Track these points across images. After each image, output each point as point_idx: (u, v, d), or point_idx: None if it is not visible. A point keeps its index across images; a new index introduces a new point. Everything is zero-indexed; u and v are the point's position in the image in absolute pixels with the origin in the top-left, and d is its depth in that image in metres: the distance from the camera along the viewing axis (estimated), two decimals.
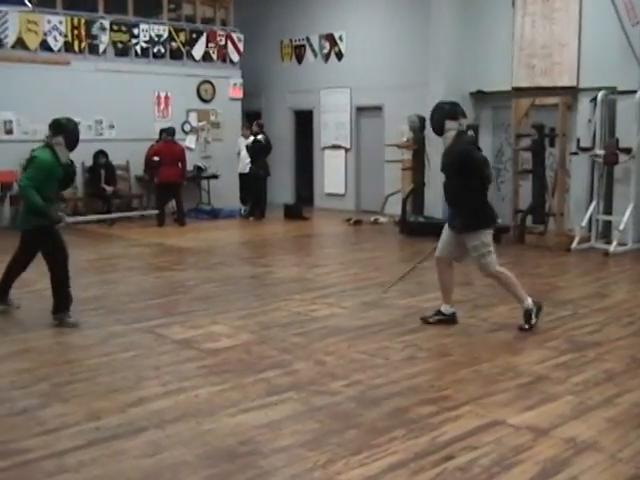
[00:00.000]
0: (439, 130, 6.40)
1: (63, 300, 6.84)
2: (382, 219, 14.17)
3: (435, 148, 13.21)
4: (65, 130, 6.96)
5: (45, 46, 13.97)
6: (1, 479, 3.78)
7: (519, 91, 12.26)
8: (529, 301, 6.52)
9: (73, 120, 7.30)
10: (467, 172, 6.30)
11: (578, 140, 11.47)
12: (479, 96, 13.41)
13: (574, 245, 10.82)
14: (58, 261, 6.86)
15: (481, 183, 6.40)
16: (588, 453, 4.06)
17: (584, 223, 10.97)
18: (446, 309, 6.78)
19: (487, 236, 6.43)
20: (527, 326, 6.49)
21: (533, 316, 6.50)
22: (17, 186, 7.53)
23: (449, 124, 6.30)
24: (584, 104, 11.79)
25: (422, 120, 12.94)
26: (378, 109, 15.55)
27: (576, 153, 11.46)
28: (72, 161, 7.26)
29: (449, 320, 6.73)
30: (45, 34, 13.91)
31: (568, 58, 12.06)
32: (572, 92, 11.89)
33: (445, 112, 6.37)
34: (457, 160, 6.34)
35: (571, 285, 8.90)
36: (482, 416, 4.55)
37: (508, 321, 6.85)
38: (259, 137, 14.74)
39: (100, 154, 14.16)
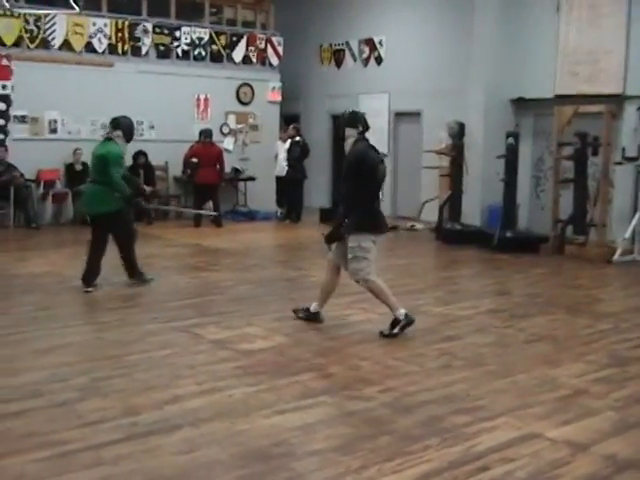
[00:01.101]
0: (342, 137, 6.65)
1: (131, 267, 8.32)
2: (418, 225, 14.12)
3: (474, 155, 13.21)
4: (123, 125, 8.16)
5: (90, 48, 14.14)
6: (42, 468, 3.84)
7: (562, 98, 12.13)
8: (401, 311, 6.49)
9: (129, 117, 8.42)
10: (361, 173, 6.39)
11: (623, 149, 11.29)
12: (520, 103, 13.31)
13: (616, 257, 10.63)
14: (126, 242, 8.23)
15: (375, 187, 6.49)
16: (629, 472, 3.97)
17: (627, 235, 10.78)
18: (314, 307, 6.87)
19: (367, 242, 6.42)
20: (387, 332, 6.47)
21: (398, 327, 6.47)
22: (88, 182, 8.41)
23: (348, 131, 6.55)
24: (630, 112, 11.65)
25: (461, 126, 12.90)
26: (416, 115, 15.50)
27: (620, 163, 11.29)
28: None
29: (313, 318, 6.84)
30: (90, 36, 14.08)
31: (614, 65, 11.89)
32: (617, 100, 11.72)
33: (345, 120, 6.64)
34: (352, 162, 6.45)
35: (612, 298, 8.73)
36: (518, 428, 4.51)
37: (546, 332, 6.79)
38: (297, 139, 14.78)
39: (140, 154, 14.29)
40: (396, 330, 6.47)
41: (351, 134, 6.55)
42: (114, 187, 7.89)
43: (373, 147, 6.60)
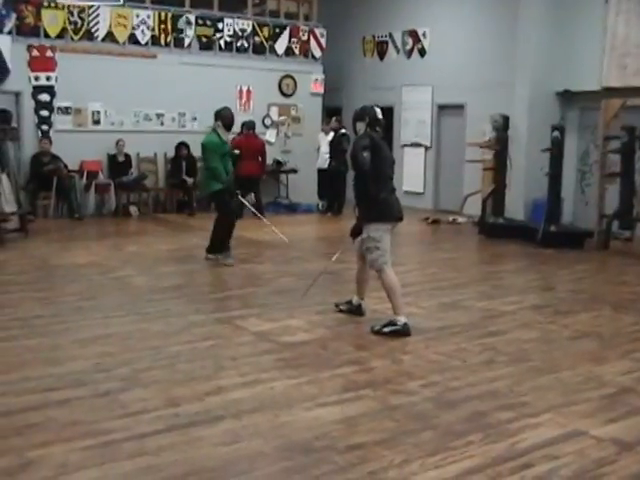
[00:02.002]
0: (355, 131, 6.75)
1: (217, 245, 9.16)
2: (460, 219, 14.02)
3: (518, 148, 13.07)
4: (221, 116, 9.21)
5: (133, 40, 14.26)
6: (85, 457, 3.87)
7: (609, 91, 11.92)
8: (402, 318, 6.31)
9: (229, 108, 9.50)
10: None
11: None
12: (566, 96, 13.12)
13: None
14: (221, 220, 9.18)
15: (380, 178, 6.41)
16: None
17: None
18: (355, 300, 6.89)
19: (377, 231, 6.40)
20: (377, 328, 6.32)
21: (390, 327, 6.28)
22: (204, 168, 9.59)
23: (359, 125, 6.66)
24: None
25: (506, 120, 12.77)
26: (460, 107, 15.36)
27: None
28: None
29: (355, 311, 6.85)
30: (134, 28, 14.21)
31: None
32: None
33: (355, 115, 6.75)
34: (352, 155, 6.51)
35: None
36: (563, 425, 4.44)
37: (590, 329, 6.69)
38: (343, 131, 14.74)
39: (182, 146, 14.38)
40: (387, 330, 6.28)
41: (360, 128, 6.64)
42: (212, 171, 9.01)
43: (384, 138, 6.73)
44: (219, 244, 9.23)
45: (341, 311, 6.96)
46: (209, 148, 9.03)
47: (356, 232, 6.68)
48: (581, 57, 12.77)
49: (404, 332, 6.26)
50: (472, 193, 13.73)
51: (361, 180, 6.42)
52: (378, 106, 6.86)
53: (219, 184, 9.08)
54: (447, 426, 4.38)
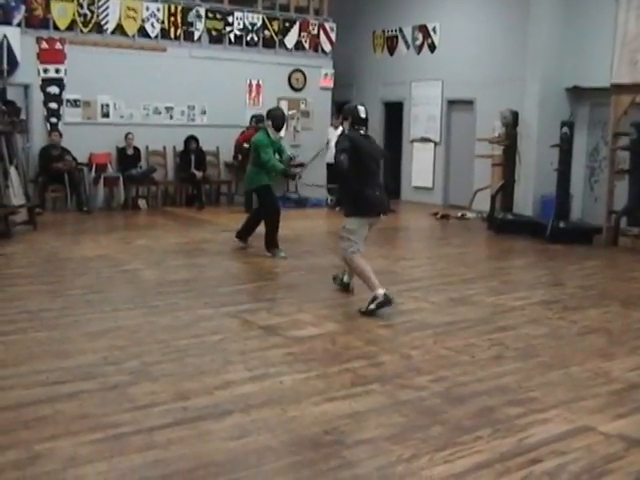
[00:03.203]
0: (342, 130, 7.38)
1: (269, 241, 9.51)
2: (470, 214, 13.99)
3: (527, 144, 13.03)
4: (271, 116, 9.64)
5: (143, 33, 14.25)
6: (94, 450, 3.88)
7: (619, 88, 11.86)
8: (380, 291, 6.70)
9: (279, 108, 10.65)
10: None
11: None
12: (575, 92, 13.07)
13: None
14: (268, 214, 9.58)
15: (362, 173, 6.86)
16: None
17: None
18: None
19: (353, 224, 6.97)
20: (364, 309, 6.71)
21: (376, 303, 6.66)
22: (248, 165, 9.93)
23: (345, 124, 7.23)
24: None
25: (515, 115, 12.73)
26: (470, 103, 15.33)
27: None
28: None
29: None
30: (143, 21, 14.20)
31: None
32: None
33: (342, 113, 7.36)
34: (335, 152, 7.01)
35: None
36: (571, 421, 4.44)
37: (599, 325, 6.67)
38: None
39: (191, 139, 14.39)
40: (372, 306, 6.67)
41: (345, 127, 7.20)
42: (267, 166, 9.32)
43: (367, 136, 7.14)
44: (270, 241, 9.56)
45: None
46: (261, 145, 9.38)
47: None
48: (591, 53, 12.70)
49: (387, 301, 6.69)
50: (481, 188, 13.71)
51: (343, 178, 7.01)
52: (363, 105, 7.30)
53: (266, 179, 9.51)
54: (456, 421, 4.38)
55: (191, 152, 14.43)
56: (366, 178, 6.89)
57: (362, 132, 7.07)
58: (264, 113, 14.41)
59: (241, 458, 3.85)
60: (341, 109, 7.80)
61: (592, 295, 7.93)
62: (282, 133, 15.62)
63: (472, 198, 13.99)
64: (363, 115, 7.09)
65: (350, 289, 7.55)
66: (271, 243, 9.55)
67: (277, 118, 9.61)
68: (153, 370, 5.12)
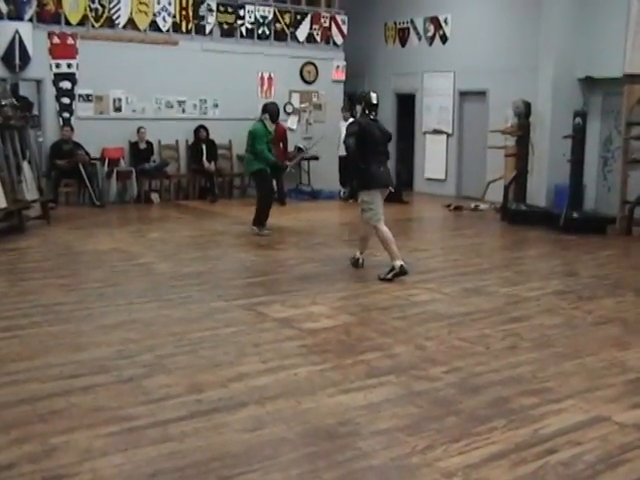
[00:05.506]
0: (352, 114, 8.85)
1: (257, 218, 10.52)
2: (483, 206, 13.94)
3: (540, 134, 12.96)
4: (268, 109, 10.62)
5: (154, 27, 14.24)
6: (109, 443, 3.89)
7: (632, 77, 11.78)
8: (398, 262, 7.67)
9: (276, 103, 11.17)
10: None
11: None
12: (588, 82, 12.98)
13: None
14: (261, 196, 10.65)
15: (369, 152, 7.78)
16: None
17: None
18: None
19: (368, 195, 7.92)
20: (383, 276, 7.70)
21: (392, 273, 7.65)
22: (245, 151, 10.98)
23: (357, 107, 8.14)
24: None
25: (528, 106, 12.66)
26: (482, 94, 15.25)
27: None
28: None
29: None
30: (155, 15, 14.18)
31: None
32: None
33: (356, 98, 8.32)
34: (344, 137, 8.14)
35: None
36: (586, 411, 4.42)
37: (614, 315, 6.64)
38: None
39: (201, 129, 14.37)
40: (389, 275, 7.66)
41: (358, 110, 8.11)
42: (259, 155, 10.36)
43: (375, 120, 8.01)
44: (257, 218, 10.55)
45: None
46: (257, 135, 10.39)
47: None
48: (604, 43, 12.59)
49: (402, 272, 7.66)
50: (494, 179, 13.65)
51: (352, 158, 7.99)
52: (375, 92, 8.15)
53: (260, 164, 10.48)
54: (471, 412, 4.37)
55: (201, 142, 14.41)
56: (373, 156, 7.82)
57: (372, 117, 7.96)
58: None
59: (256, 450, 3.86)
60: (351, 98, 8.39)
61: (606, 285, 7.90)
62: (294, 125, 15.85)
63: (485, 189, 13.94)
64: (375, 101, 7.97)
65: (360, 264, 8.32)
66: (258, 220, 10.56)
67: (273, 111, 10.65)
68: (167, 363, 5.14)
